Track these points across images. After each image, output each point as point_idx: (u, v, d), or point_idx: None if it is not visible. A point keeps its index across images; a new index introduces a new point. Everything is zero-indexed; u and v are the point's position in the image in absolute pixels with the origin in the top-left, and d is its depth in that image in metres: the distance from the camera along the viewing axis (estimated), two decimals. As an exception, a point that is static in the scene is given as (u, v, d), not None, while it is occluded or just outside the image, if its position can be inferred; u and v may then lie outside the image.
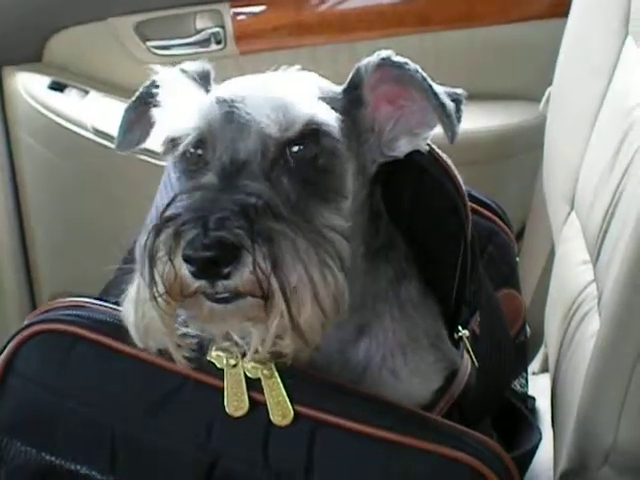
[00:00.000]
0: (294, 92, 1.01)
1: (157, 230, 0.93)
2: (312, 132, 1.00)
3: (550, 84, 1.92)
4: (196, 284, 0.92)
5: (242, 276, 0.90)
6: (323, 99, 1.03)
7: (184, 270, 0.91)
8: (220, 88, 1.07)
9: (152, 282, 0.93)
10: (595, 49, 1.62)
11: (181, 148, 1.03)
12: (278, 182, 0.98)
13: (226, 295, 0.92)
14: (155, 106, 1.13)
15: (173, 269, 0.91)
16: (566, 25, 1.85)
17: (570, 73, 1.79)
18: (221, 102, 1.01)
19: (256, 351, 0.98)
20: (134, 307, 0.97)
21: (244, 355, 1.04)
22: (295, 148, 1.00)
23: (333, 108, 1.03)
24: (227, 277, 0.90)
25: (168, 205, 0.96)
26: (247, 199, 0.92)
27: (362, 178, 1.08)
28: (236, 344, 1.01)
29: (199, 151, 1.03)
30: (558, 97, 1.85)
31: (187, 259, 0.90)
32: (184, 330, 0.99)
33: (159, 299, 0.94)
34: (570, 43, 1.80)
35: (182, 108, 1.03)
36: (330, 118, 1.01)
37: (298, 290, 0.91)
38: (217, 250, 0.88)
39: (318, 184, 1.01)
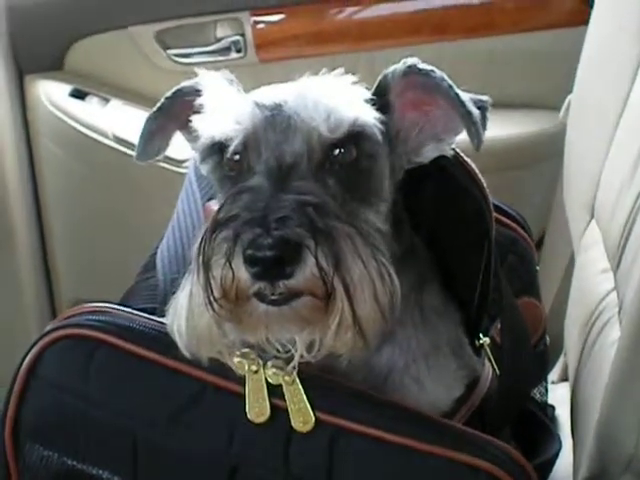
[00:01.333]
0: (339, 94, 1.02)
1: (212, 233, 0.93)
2: (357, 134, 1.01)
3: (570, 92, 1.92)
4: (255, 286, 0.91)
5: (304, 275, 0.89)
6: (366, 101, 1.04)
7: (243, 272, 0.90)
8: (255, 94, 1.07)
9: (207, 286, 0.92)
10: (617, 57, 1.62)
11: (230, 152, 1.03)
12: (324, 183, 0.99)
13: (279, 297, 0.91)
14: (179, 113, 1.14)
15: (231, 271, 0.90)
16: (585, 33, 1.85)
17: (591, 81, 1.79)
18: (261, 107, 1.01)
19: (301, 357, 0.98)
20: (186, 314, 0.96)
21: (266, 361, 1.05)
22: (337, 151, 1.00)
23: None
24: (289, 277, 0.89)
25: (220, 208, 0.96)
26: (304, 198, 0.92)
27: (392, 183, 1.09)
28: (274, 350, 1.00)
29: (236, 156, 1.03)
30: (579, 105, 1.84)
31: (249, 260, 0.89)
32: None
33: (214, 304, 0.92)
34: (591, 51, 1.80)
35: (227, 112, 1.03)
36: (374, 120, 1.02)
37: (358, 287, 0.91)
38: (281, 249, 0.88)
39: (360, 186, 1.02)
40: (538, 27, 2.28)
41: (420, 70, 1.05)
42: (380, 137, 1.03)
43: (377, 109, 1.04)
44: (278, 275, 0.90)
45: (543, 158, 2.25)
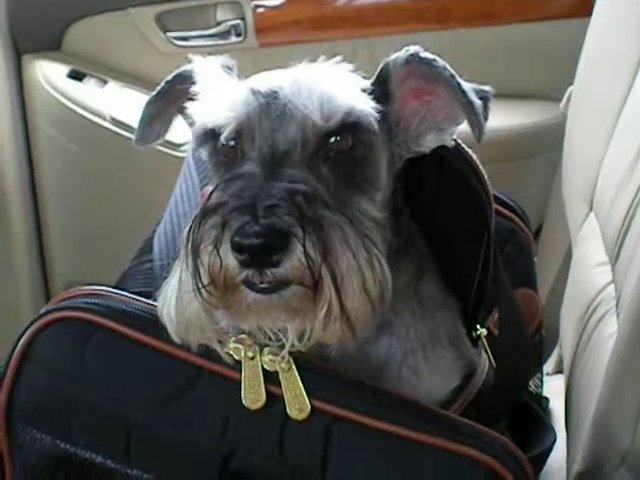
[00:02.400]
0: (335, 82, 1.01)
1: (201, 219, 0.92)
2: (352, 123, 1.00)
3: (570, 83, 1.92)
4: (243, 274, 0.90)
5: (292, 263, 0.89)
6: (363, 90, 1.03)
7: (231, 259, 0.90)
8: (252, 80, 1.06)
9: (196, 273, 0.92)
10: (618, 51, 1.61)
11: (222, 139, 1.02)
12: (318, 172, 0.98)
13: (268, 286, 0.91)
14: (179, 97, 1.14)
15: (219, 258, 0.90)
16: (586, 25, 1.84)
17: (592, 73, 1.78)
18: (257, 93, 1.00)
19: (292, 345, 0.98)
20: (175, 300, 0.96)
21: (262, 348, 1.04)
22: (333, 139, 1.00)
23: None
24: (276, 265, 0.89)
25: (211, 194, 0.95)
26: (294, 186, 0.92)
27: (390, 173, 1.08)
28: (261, 336, 1.00)
29: (232, 142, 1.02)
30: (579, 96, 1.84)
31: (237, 247, 0.89)
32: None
33: (202, 290, 0.92)
34: (593, 44, 1.79)
35: (220, 99, 1.03)
36: (369, 109, 1.01)
37: (346, 277, 0.91)
38: (268, 237, 0.87)
39: (355, 175, 1.01)
40: (540, 18, 2.27)
41: (422, 59, 1.04)
42: (376, 126, 1.02)
43: (376, 98, 1.04)
44: (265, 263, 0.89)
45: (542, 149, 2.25)
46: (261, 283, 0.91)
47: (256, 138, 0.99)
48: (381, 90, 1.06)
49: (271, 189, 0.91)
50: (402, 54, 1.05)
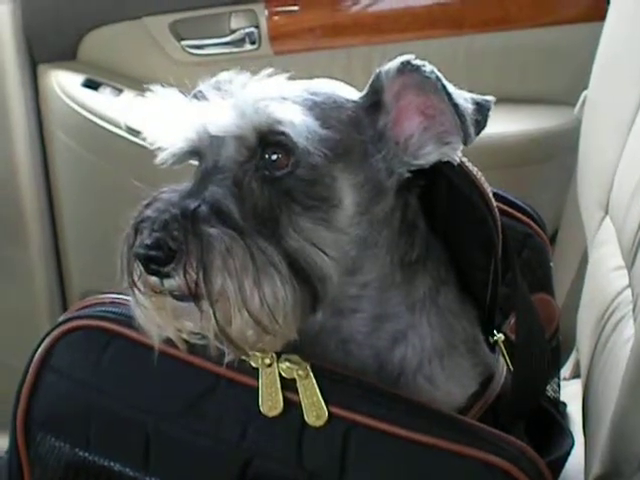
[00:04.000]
0: (254, 97, 1.00)
1: (131, 227, 0.98)
2: (279, 140, 0.99)
3: (585, 88, 1.91)
4: (151, 279, 0.95)
5: (180, 276, 0.93)
6: (311, 108, 1.01)
7: (137, 266, 0.96)
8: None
9: (130, 278, 0.99)
10: (632, 52, 1.61)
11: (172, 160, 1.07)
12: (248, 188, 0.99)
13: (177, 293, 0.95)
14: None
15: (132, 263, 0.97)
16: (601, 29, 1.84)
17: (607, 77, 1.78)
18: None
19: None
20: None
21: (280, 355, 1.05)
22: (274, 156, 0.99)
23: (328, 117, 1.02)
24: (168, 276, 0.94)
25: (147, 204, 1.00)
26: (191, 204, 0.95)
27: (374, 190, 1.05)
28: None
29: (195, 161, 1.06)
30: (594, 100, 1.83)
31: (134, 254, 0.95)
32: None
33: (137, 294, 0.98)
34: (607, 48, 1.79)
35: (175, 123, 1.05)
36: (298, 124, 0.99)
37: (223, 297, 0.93)
38: (154, 249, 0.92)
39: (299, 193, 1.00)
40: (554, 22, 2.26)
41: (413, 66, 1.02)
42: (318, 144, 0.99)
43: (368, 109, 1.04)
44: (156, 273, 0.94)
45: (558, 153, 2.24)
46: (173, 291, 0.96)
47: (206, 156, 1.02)
48: (373, 100, 1.05)
49: (179, 205, 0.95)
50: (394, 63, 1.04)
